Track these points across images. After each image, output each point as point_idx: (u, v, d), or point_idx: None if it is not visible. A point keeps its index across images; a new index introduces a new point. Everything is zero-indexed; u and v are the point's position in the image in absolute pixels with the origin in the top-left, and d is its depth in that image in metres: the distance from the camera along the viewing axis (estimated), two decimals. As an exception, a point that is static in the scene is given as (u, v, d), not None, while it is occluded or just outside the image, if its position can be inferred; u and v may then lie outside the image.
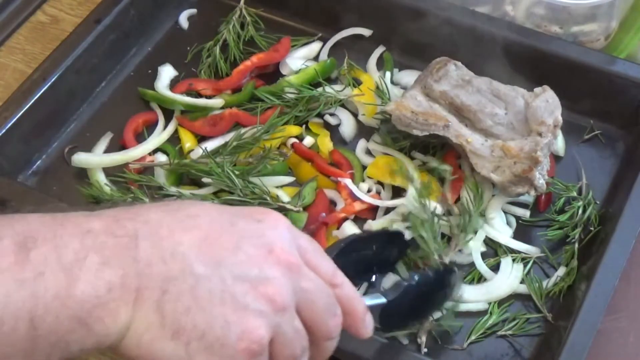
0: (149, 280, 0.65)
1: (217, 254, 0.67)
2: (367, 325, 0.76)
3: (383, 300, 0.81)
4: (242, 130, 1.10)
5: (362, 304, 0.75)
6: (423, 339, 0.95)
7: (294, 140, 1.12)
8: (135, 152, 1.11)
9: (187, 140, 1.13)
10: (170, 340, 0.65)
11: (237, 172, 1.04)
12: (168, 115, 1.16)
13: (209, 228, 0.69)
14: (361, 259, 0.77)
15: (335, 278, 0.73)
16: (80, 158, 1.10)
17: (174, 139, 1.14)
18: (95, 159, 1.11)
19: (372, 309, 0.77)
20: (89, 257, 0.64)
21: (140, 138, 1.14)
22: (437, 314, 0.96)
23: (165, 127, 1.15)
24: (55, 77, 1.11)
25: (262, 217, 0.72)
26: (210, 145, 1.11)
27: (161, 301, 0.65)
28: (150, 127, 1.15)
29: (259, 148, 1.09)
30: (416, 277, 0.86)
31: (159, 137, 1.13)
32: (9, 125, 1.07)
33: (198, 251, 0.67)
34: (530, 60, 1.12)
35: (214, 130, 1.13)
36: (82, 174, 1.10)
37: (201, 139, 1.14)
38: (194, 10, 1.28)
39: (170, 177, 1.09)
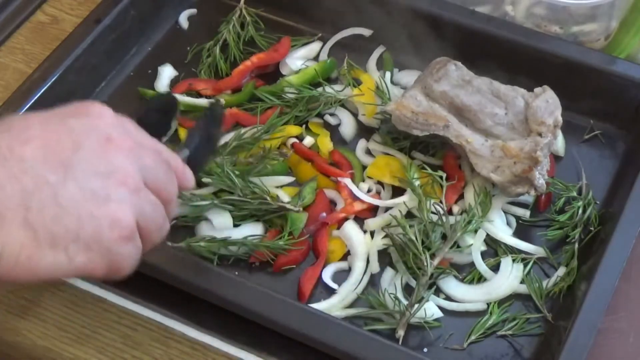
0: (8, 201, 0.67)
1: (63, 158, 0.70)
2: (189, 179, 0.82)
3: (186, 151, 0.86)
4: (242, 130, 1.10)
5: (181, 163, 0.81)
6: (401, 333, 0.95)
7: (294, 140, 1.12)
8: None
9: (187, 140, 1.13)
10: (48, 250, 0.68)
11: (237, 172, 1.04)
12: (168, 115, 1.16)
13: (45, 135, 0.70)
14: (149, 129, 0.84)
15: (158, 146, 0.78)
16: None
17: (174, 139, 1.14)
18: None
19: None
20: None
21: None
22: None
23: (165, 127, 1.15)
24: (55, 77, 1.11)
25: (87, 110, 0.75)
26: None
27: (27, 217, 0.67)
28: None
29: (259, 148, 1.09)
30: (201, 122, 0.91)
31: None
32: (9, 125, 1.07)
33: (44, 160, 0.69)
34: (530, 60, 1.12)
35: (214, 130, 1.13)
36: (82, 174, 1.10)
37: (201, 139, 1.14)
38: (194, 10, 1.28)
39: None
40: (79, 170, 0.70)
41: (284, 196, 1.06)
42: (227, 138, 1.11)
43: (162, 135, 0.85)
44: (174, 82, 1.20)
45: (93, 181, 0.70)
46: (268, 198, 1.03)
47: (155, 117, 0.89)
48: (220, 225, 1.03)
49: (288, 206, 1.03)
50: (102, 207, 0.70)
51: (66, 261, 0.69)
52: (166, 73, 1.20)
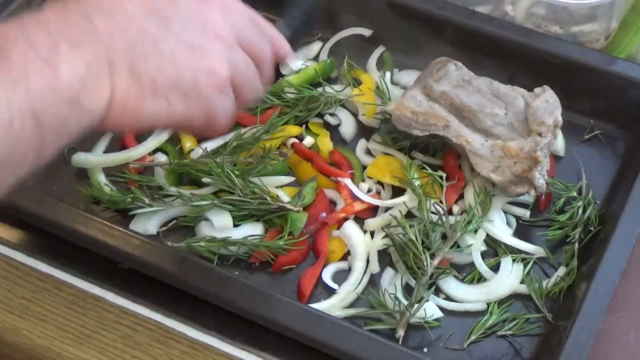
0: (117, 50, 0.71)
1: (162, 12, 0.75)
2: (284, 45, 0.86)
3: (283, 24, 0.90)
4: (242, 130, 1.10)
5: (275, 29, 0.86)
6: (401, 333, 0.95)
7: (294, 140, 1.12)
8: (135, 152, 1.11)
9: (187, 140, 1.13)
10: (151, 98, 0.73)
11: (237, 172, 1.04)
12: (168, 115, 1.16)
13: None
14: None
15: (252, 12, 0.82)
16: (80, 158, 1.10)
17: (174, 139, 1.14)
18: (95, 159, 1.10)
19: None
20: (59, 45, 0.69)
21: (140, 138, 1.14)
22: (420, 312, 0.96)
23: (165, 127, 1.15)
24: (55, 77, 1.11)
25: None
26: (210, 145, 1.11)
27: (132, 66, 0.72)
28: (151, 126, 1.15)
29: (259, 148, 1.09)
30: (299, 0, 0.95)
31: (159, 137, 1.13)
32: (9, 125, 1.07)
33: (145, 13, 0.74)
34: (530, 60, 1.12)
35: (212, 131, 1.13)
36: (82, 174, 1.10)
37: (201, 139, 1.13)
38: (194, 10, 1.28)
39: (170, 177, 1.09)
40: (176, 24, 0.75)
41: (284, 196, 1.06)
42: (227, 138, 1.11)
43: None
44: (174, 82, 1.20)
45: (190, 35, 0.75)
46: (268, 198, 1.03)
47: None
48: (220, 225, 1.03)
49: (288, 206, 1.03)
50: (199, 59, 0.75)
51: (167, 109, 0.74)
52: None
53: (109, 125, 0.73)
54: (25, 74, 0.66)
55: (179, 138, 1.13)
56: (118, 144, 1.13)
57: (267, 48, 0.83)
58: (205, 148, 1.08)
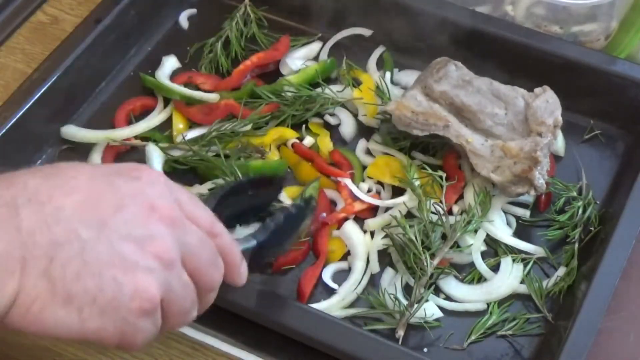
0: (35, 248, 0.64)
1: (101, 216, 0.67)
2: (242, 274, 0.77)
3: (254, 242, 0.82)
4: (226, 124, 1.10)
5: (239, 254, 0.77)
6: (401, 333, 0.95)
7: (294, 140, 1.12)
8: (123, 132, 1.12)
9: (179, 123, 1.14)
10: (61, 307, 0.64)
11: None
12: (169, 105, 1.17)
13: (89, 190, 0.68)
14: (238, 203, 0.82)
15: (214, 228, 0.74)
16: (69, 130, 1.12)
17: (167, 125, 1.14)
18: (82, 133, 1.12)
19: (244, 253, 0.79)
20: None
21: (130, 120, 1.15)
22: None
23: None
24: (55, 77, 1.11)
25: (139, 173, 0.71)
26: (198, 133, 1.12)
27: (49, 269, 0.64)
28: (149, 113, 1.16)
29: (238, 142, 1.09)
30: (282, 216, 0.86)
31: (149, 121, 1.14)
32: (9, 125, 1.07)
33: (81, 214, 0.66)
34: (530, 60, 1.12)
35: (207, 119, 1.13)
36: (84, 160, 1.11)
37: (193, 125, 1.14)
38: (194, 10, 1.28)
39: (166, 164, 1.09)
40: (113, 232, 0.66)
41: (284, 197, 1.06)
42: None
43: (258, 215, 0.81)
44: (175, 75, 1.20)
45: (125, 245, 0.66)
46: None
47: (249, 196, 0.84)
48: (220, 225, 1.03)
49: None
50: (128, 274, 0.66)
51: (77, 322, 0.65)
52: (169, 63, 1.21)
53: (7, 325, 0.65)
54: None
55: (172, 124, 1.14)
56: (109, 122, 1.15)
57: (216, 274, 0.74)
58: (184, 135, 1.10)
